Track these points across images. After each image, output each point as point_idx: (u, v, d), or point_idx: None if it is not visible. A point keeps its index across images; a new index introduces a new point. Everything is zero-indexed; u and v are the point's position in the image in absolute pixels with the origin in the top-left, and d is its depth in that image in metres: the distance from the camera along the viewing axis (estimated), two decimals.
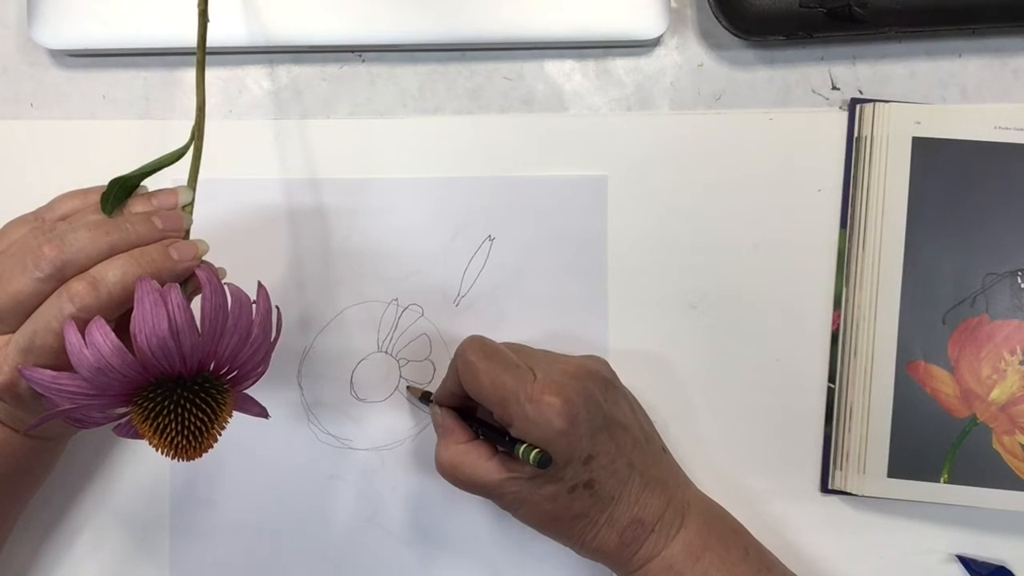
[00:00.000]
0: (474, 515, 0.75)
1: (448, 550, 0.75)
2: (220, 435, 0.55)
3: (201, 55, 0.62)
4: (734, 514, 0.69)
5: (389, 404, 0.75)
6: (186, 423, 0.53)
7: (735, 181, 0.75)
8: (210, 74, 0.75)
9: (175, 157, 0.60)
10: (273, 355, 0.59)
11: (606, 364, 0.69)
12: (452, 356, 0.66)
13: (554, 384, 0.62)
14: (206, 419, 0.54)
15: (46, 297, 0.54)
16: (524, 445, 0.61)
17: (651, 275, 0.75)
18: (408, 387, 0.75)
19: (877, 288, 0.72)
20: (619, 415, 0.66)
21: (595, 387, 0.64)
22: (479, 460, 0.65)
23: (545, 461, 0.60)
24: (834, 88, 0.75)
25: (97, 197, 0.57)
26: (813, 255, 0.74)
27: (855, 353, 0.73)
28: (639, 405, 0.71)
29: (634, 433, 0.66)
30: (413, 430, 0.75)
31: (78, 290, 0.52)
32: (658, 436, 0.70)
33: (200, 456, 0.55)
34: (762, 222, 0.75)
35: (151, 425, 0.53)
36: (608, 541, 0.64)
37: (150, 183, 0.60)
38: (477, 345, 0.64)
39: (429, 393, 0.73)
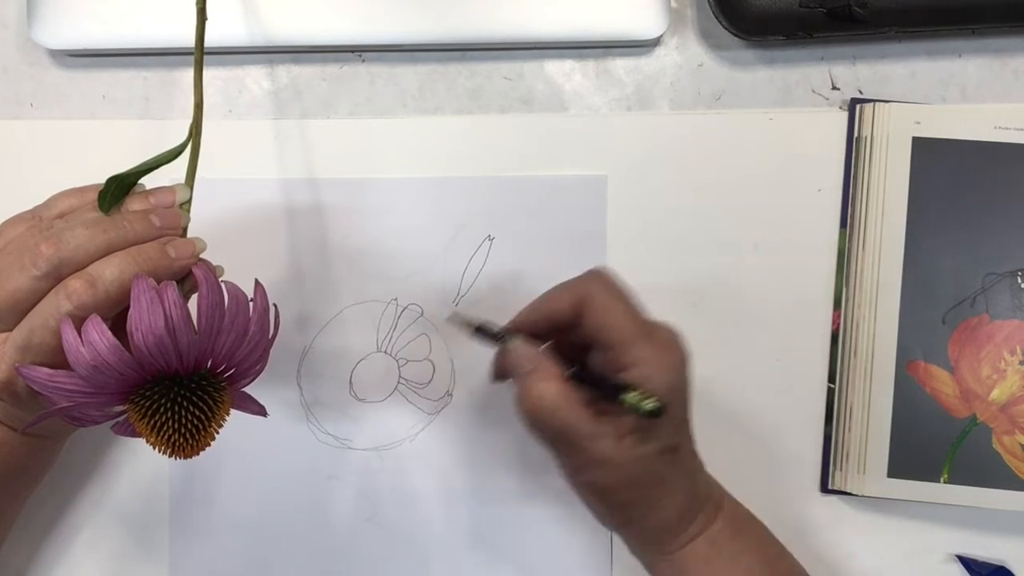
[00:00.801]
0: (474, 515, 0.75)
1: (448, 550, 0.75)
2: (217, 433, 0.55)
3: (199, 53, 0.62)
4: None
5: (389, 404, 0.75)
6: (183, 421, 0.53)
7: (735, 181, 0.75)
8: (210, 74, 0.76)
9: (172, 155, 0.60)
10: (272, 354, 0.59)
11: None
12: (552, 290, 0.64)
13: (671, 340, 0.61)
14: (203, 417, 0.54)
15: (43, 295, 0.53)
16: (635, 393, 0.57)
17: (651, 275, 0.75)
18: (454, 313, 0.70)
19: (877, 288, 0.72)
20: None
21: (688, 355, 0.62)
22: (575, 405, 0.58)
23: (659, 411, 0.56)
24: (834, 88, 0.75)
25: (95, 195, 0.57)
26: (813, 255, 0.74)
27: (855, 353, 0.73)
28: None
29: None
30: (413, 430, 0.75)
31: (75, 288, 0.52)
32: None
33: (197, 454, 0.55)
34: (762, 222, 0.75)
35: (148, 423, 0.53)
36: (670, 513, 0.62)
37: (148, 182, 0.60)
38: (611, 279, 0.62)
39: (485, 327, 0.66)
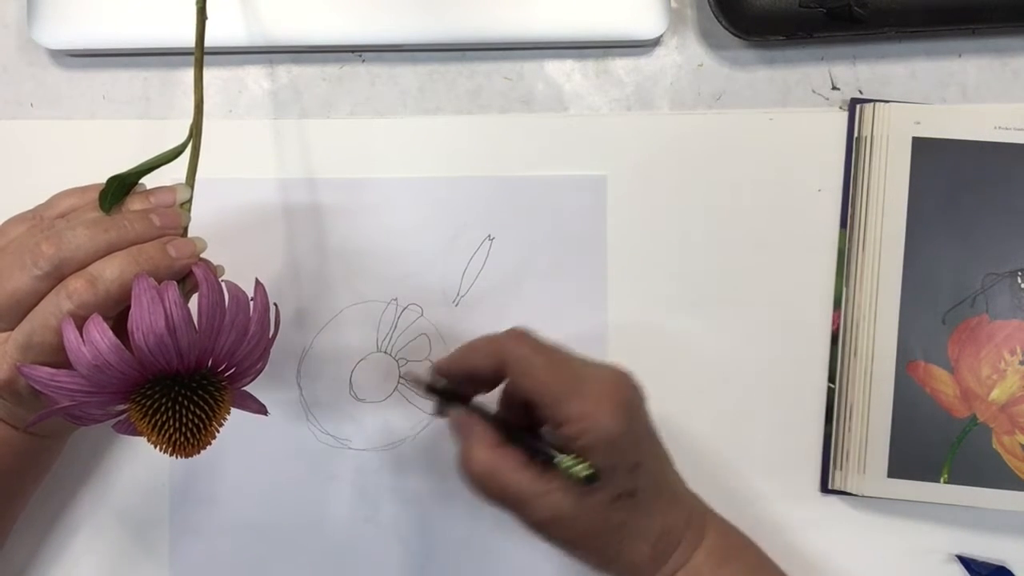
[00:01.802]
0: (473, 515, 0.75)
1: (447, 550, 0.75)
2: (218, 432, 0.56)
3: (199, 53, 0.62)
4: (734, 514, 0.69)
5: (388, 404, 0.75)
6: (184, 420, 0.53)
7: (735, 181, 0.75)
8: (210, 74, 0.76)
9: (173, 155, 0.60)
10: (272, 354, 0.59)
11: None
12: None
13: (607, 386, 0.59)
14: (204, 416, 0.54)
15: (44, 295, 0.54)
16: (569, 458, 0.57)
17: (651, 275, 0.75)
18: (405, 373, 0.73)
19: (877, 288, 0.72)
20: (652, 424, 0.64)
21: (637, 394, 0.62)
22: (513, 469, 0.59)
23: (594, 478, 0.57)
24: (834, 88, 0.75)
25: (95, 195, 0.57)
26: (813, 255, 0.74)
27: (855, 353, 0.73)
28: None
29: (663, 444, 0.65)
30: (412, 430, 0.75)
31: (76, 287, 0.53)
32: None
33: (198, 453, 0.55)
34: (762, 222, 0.75)
35: (149, 422, 0.53)
36: (642, 554, 0.61)
37: (149, 182, 0.60)
38: (530, 338, 0.61)
39: (436, 386, 0.67)
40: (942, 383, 0.71)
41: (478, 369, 0.62)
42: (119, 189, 0.57)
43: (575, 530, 0.59)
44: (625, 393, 0.60)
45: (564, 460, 0.57)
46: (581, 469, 0.56)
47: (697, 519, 0.64)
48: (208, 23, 0.63)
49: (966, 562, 0.73)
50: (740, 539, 0.66)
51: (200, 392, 0.54)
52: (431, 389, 0.65)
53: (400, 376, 0.75)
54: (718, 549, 0.64)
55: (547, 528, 0.60)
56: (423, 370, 0.69)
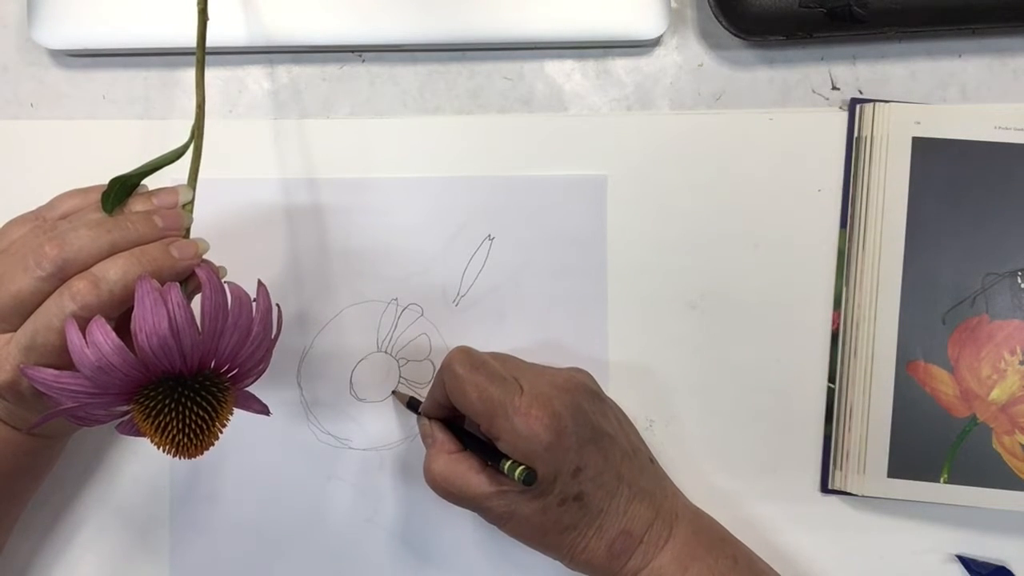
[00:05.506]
0: (473, 515, 0.75)
1: (448, 550, 0.75)
2: (221, 433, 0.56)
3: (201, 54, 0.62)
4: (734, 514, 0.69)
5: (388, 404, 0.75)
6: (187, 421, 0.53)
7: (735, 181, 0.75)
8: (210, 74, 0.76)
9: (175, 156, 0.60)
10: (273, 354, 0.59)
11: (591, 377, 0.70)
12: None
13: (541, 396, 0.62)
14: (207, 417, 0.54)
15: (47, 296, 0.54)
16: (510, 462, 0.61)
17: (651, 275, 0.75)
18: (394, 392, 0.75)
19: (877, 288, 0.72)
20: (606, 427, 0.66)
21: (583, 399, 0.65)
22: (468, 472, 0.65)
23: (531, 478, 0.60)
24: (834, 88, 0.75)
25: (98, 196, 0.57)
26: (813, 255, 0.74)
27: (855, 353, 0.73)
28: (625, 416, 0.71)
29: (621, 444, 0.67)
30: (412, 430, 0.75)
31: (79, 288, 0.53)
32: (645, 447, 0.71)
33: (201, 454, 0.55)
34: (762, 222, 0.75)
35: (152, 423, 0.53)
36: (597, 553, 0.65)
37: (150, 182, 0.60)
38: (464, 357, 0.64)
39: (416, 400, 0.73)
40: (942, 383, 0.71)
41: (441, 399, 0.67)
42: (121, 190, 0.57)
43: (529, 528, 0.64)
44: (559, 403, 0.63)
45: (504, 463, 0.62)
46: (520, 472, 0.60)
47: (665, 518, 0.66)
48: (208, 23, 0.63)
49: (966, 562, 0.73)
50: (715, 538, 0.68)
51: (203, 393, 0.54)
52: (411, 406, 0.73)
53: (400, 378, 0.75)
54: (686, 549, 0.66)
55: (504, 525, 0.65)
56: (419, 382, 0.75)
